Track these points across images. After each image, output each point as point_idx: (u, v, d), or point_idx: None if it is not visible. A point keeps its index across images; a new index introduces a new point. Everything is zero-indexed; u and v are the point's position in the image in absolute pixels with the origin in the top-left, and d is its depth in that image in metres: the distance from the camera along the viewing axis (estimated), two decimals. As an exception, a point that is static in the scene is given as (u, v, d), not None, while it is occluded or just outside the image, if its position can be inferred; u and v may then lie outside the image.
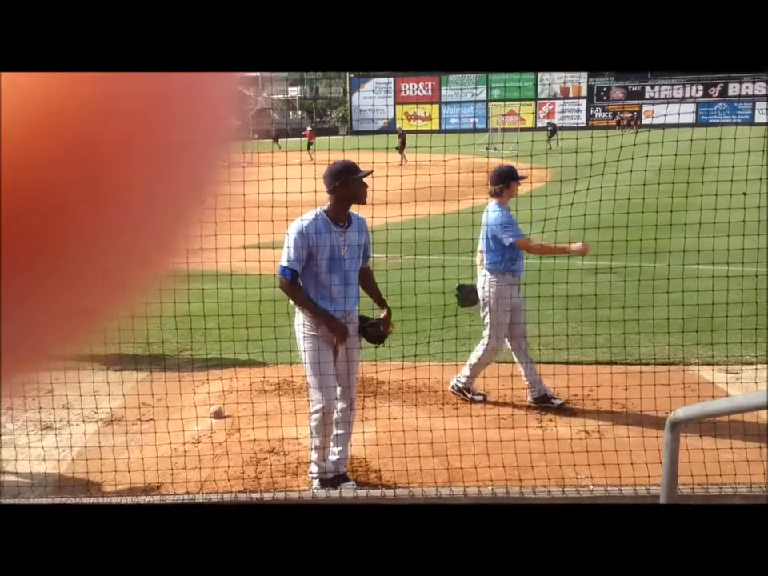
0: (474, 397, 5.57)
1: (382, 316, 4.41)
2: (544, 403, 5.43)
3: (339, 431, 4.35)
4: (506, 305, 5.31)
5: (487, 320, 5.43)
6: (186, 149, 0.35)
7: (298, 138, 30.38)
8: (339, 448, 4.36)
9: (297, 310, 4.29)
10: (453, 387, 5.67)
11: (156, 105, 0.32)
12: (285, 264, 4.13)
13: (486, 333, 5.47)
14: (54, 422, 5.12)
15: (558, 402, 5.41)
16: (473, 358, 5.52)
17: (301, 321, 4.25)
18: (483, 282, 5.42)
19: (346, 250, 4.18)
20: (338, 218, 4.20)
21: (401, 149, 24.59)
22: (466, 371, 5.56)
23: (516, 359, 5.51)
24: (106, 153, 0.31)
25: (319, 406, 4.19)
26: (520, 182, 5.50)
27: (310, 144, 30.44)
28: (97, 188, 0.31)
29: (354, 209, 4.31)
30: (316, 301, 4.18)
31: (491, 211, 5.42)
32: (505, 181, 5.43)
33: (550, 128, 36.99)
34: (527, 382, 5.46)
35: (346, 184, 4.14)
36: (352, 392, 4.38)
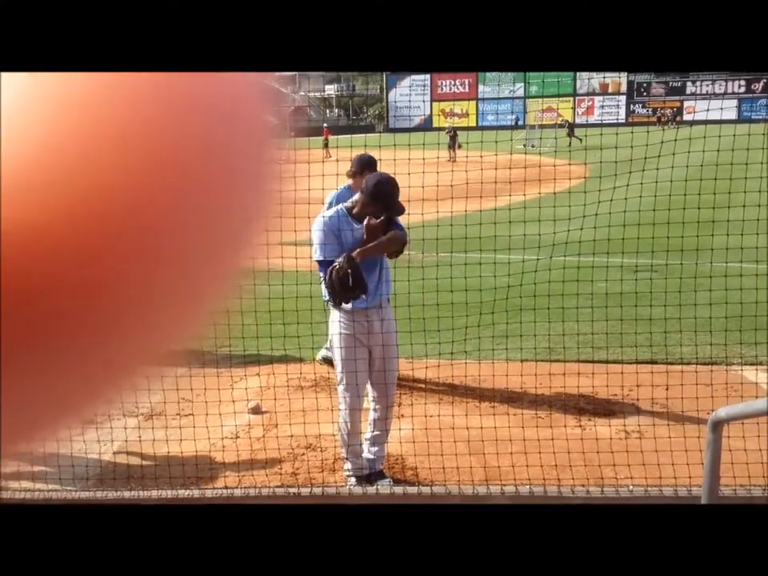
0: None
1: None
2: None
3: (376, 431, 4.33)
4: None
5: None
6: (235, 163, 0.35)
7: (320, 137, 30.56)
8: (376, 448, 4.35)
9: (331, 306, 4.29)
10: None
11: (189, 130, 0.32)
12: (316, 258, 4.16)
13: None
14: (95, 416, 5.20)
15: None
16: None
17: (336, 318, 4.25)
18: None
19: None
20: (361, 215, 4.15)
21: (452, 146, 24.55)
22: None
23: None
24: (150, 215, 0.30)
25: (348, 403, 4.22)
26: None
27: (326, 142, 30.51)
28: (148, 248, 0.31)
29: None
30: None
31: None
32: (361, 169, 5.39)
33: (566, 125, 36.71)
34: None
35: (385, 205, 4.08)
36: (389, 390, 4.34)
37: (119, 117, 0.30)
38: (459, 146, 24.36)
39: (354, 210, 4.15)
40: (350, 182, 5.67)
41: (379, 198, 4.05)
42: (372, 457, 4.34)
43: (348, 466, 4.35)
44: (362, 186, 4.20)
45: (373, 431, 4.35)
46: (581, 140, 28.37)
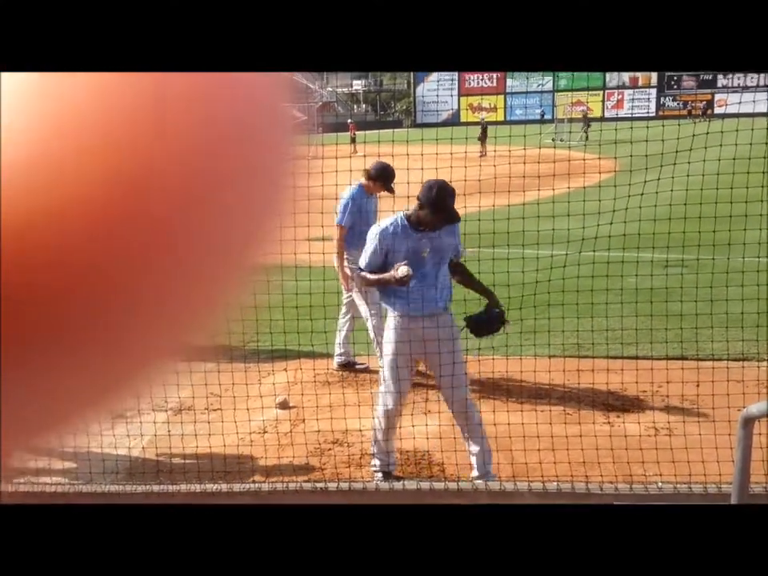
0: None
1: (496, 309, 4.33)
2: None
3: (474, 447, 4.21)
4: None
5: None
6: (253, 160, 0.34)
7: (346, 132, 30.62)
8: (477, 472, 4.23)
9: (389, 309, 4.30)
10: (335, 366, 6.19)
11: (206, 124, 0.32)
12: (361, 265, 4.27)
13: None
14: (125, 410, 5.27)
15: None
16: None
17: (391, 325, 4.27)
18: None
19: (429, 253, 4.14)
20: (422, 224, 4.13)
21: (482, 139, 24.52)
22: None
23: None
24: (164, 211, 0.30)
25: (384, 405, 4.23)
26: (384, 190, 5.69)
27: (353, 138, 30.54)
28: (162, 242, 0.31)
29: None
30: (393, 298, 4.20)
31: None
32: (377, 177, 5.66)
33: (583, 115, 36.46)
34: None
35: (442, 210, 4.06)
36: (455, 396, 4.17)
37: (131, 103, 0.29)
38: (484, 142, 24.33)
39: (412, 218, 4.14)
40: (362, 180, 5.75)
41: (440, 208, 4.02)
42: (476, 470, 4.22)
43: (375, 462, 4.36)
44: (419, 194, 4.15)
45: (473, 448, 4.23)
46: (587, 137, 28.32)
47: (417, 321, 4.18)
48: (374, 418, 4.33)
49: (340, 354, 6.14)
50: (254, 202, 0.34)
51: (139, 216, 0.29)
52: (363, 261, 4.26)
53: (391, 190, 5.70)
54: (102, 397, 0.33)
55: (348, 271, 5.59)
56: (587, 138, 29.53)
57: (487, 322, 4.27)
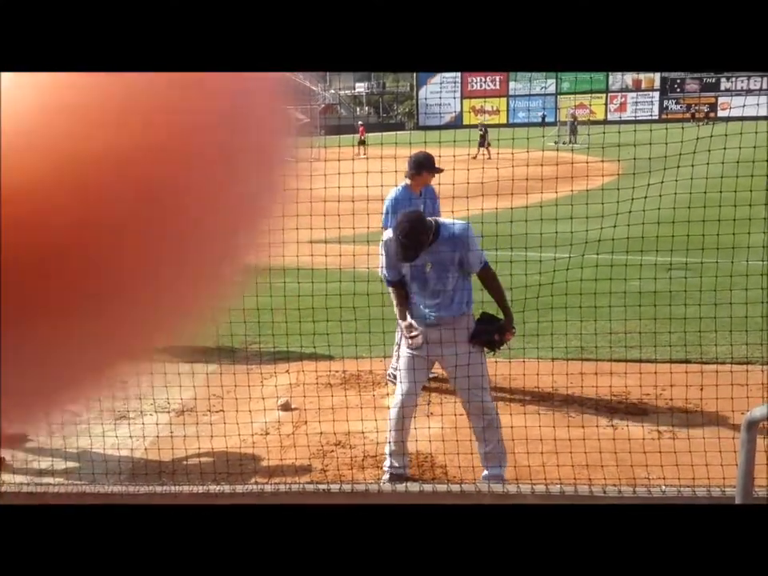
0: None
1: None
2: None
3: (487, 449, 4.21)
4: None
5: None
6: (248, 153, 0.34)
7: (349, 135, 30.75)
8: (487, 472, 4.24)
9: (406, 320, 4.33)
10: (389, 376, 5.87)
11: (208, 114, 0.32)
12: (382, 271, 4.38)
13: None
14: (128, 411, 5.27)
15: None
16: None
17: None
18: None
19: (431, 266, 4.13)
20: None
21: (482, 143, 24.61)
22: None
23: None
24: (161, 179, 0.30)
25: (398, 403, 4.25)
26: (434, 174, 5.54)
27: (362, 140, 30.56)
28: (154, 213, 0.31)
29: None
30: (410, 306, 4.24)
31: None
32: (417, 169, 5.51)
33: (572, 120, 36.35)
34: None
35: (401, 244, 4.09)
36: (471, 398, 4.17)
37: (128, 93, 0.30)
38: (489, 144, 24.41)
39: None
40: (407, 181, 5.68)
41: (400, 243, 4.03)
42: (487, 471, 4.22)
43: (386, 462, 4.37)
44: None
45: (485, 449, 4.22)
46: (563, 142, 28.47)
47: (432, 327, 4.19)
48: (389, 418, 4.33)
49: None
50: (243, 198, 0.34)
51: (131, 194, 0.29)
52: (384, 271, 4.33)
53: (438, 171, 5.60)
54: (90, 375, 0.33)
55: None
56: (574, 141, 29.76)
57: (485, 334, 4.23)
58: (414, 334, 4.20)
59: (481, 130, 27.66)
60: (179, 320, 0.35)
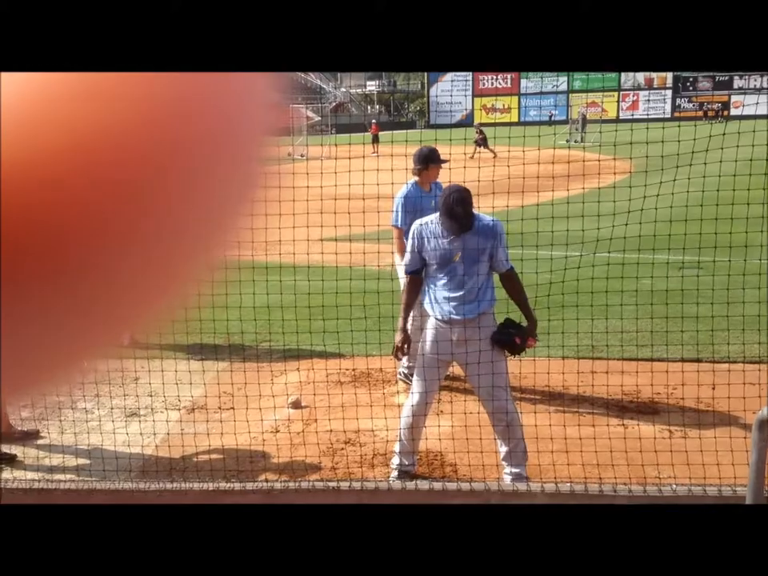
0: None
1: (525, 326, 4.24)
2: None
3: (504, 448, 4.20)
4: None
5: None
6: (221, 152, 0.34)
7: (361, 133, 30.78)
8: (511, 468, 4.20)
9: (428, 310, 4.29)
10: (400, 375, 5.83)
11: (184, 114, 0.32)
12: (405, 263, 4.35)
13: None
14: (139, 409, 5.29)
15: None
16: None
17: (430, 325, 4.26)
18: None
19: (461, 256, 4.10)
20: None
21: (481, 143, 24.66)
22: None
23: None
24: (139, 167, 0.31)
25: (415, 402, 4.25)
26: (441, 165, 5.52)
27: (375, 138, 30.57)
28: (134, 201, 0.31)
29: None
30: (432, 303, 4.20)
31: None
32: (424, 163, 5.47)
33: (581, 117, 36.24)
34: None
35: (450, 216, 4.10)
36: (488, 405, 4.17)
37: (113, 89, 0.30)
38: (487, 144, 24.43)
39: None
40: (415, 178, 5.66)
41: (447, 214, 4.04)
42: (509, 478, 4.18)
43: (394, 460, 4.38)
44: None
45: (506, 448, 4.21)
46: (575, 141, 28.50)
47: (454, 325, 4.15)
48: (402, 416, 4.33)
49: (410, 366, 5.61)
50: (217, 196, 0.34)
51: (112, 175, 0.29)
52: (405, 259, 4.31)
53: (443, 162, 5.59)
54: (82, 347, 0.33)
55: None
56: (583, 137, 29.79)
57: (506, 336, 4.19)
58: (404, 347, 4.25)
59: (478, 131, 27.74)
60: (144, 312, 0.35)
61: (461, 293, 4.12)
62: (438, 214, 4.15)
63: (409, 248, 4.26)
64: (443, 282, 4.15)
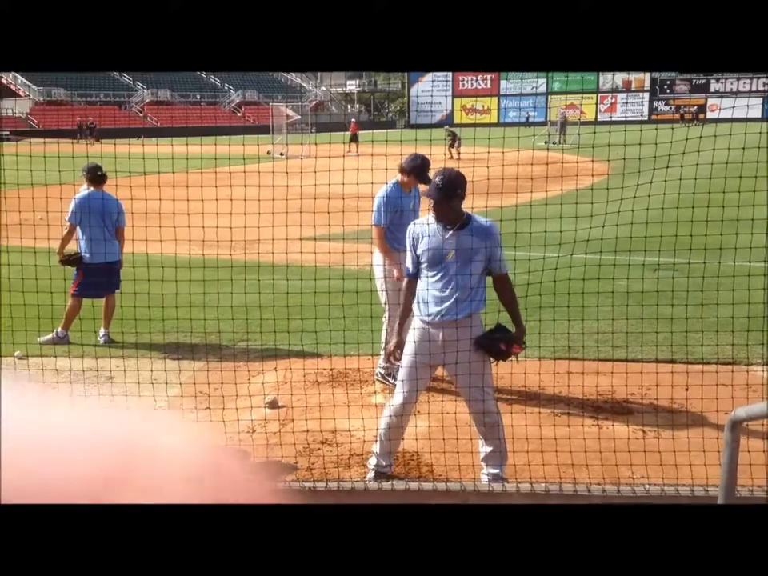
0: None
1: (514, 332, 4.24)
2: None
3: (487, 449, 4.22)
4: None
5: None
6: None
7: (340, 132, 30.62)
8: (489, 469, 4.23)
9: (415, 311, 4.29)
10: (377, 375, 5.84)
11: None
12: (407, 267, 4.34)
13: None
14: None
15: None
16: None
17: (416, 324, 4.26)
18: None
19: (455, 254, 4.11)
20: (443, 220, 4.15)
21: (453, 144, 24.80)
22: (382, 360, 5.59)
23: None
24: None
25: (398, 403, 4.25)
26: (422, 183, 5.48)
27: (354, 137, 30.49)
28: None
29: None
30: (420, 303, 4.20)
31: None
32: (414, 172, 5.50)
33: (561, 119, 36.31)
34: None
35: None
36: (471, 406, 4.20)
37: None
38: (460, 145, 24.55)
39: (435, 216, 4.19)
40: (398, 178, 5.65)
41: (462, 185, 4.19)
42: (487, 478, 4.21)
43: (371, 460, 4.38)
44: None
45: (484, 449, 4.24)
46: (554, 142, 28.83)
47: (442, 326, 4.14)
48: (383, 416, 4.32)
49: (386, 366, 5.66)
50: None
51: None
52: (407, 263, 4.30)
53: (427, 181, 5.59)
54: None
55: (395, 271, 5.43)
56: (564, 140, 30.03)
57: (492, 341, 4.19)
58: (396, 351, 4.24)
59: (448, 133, 27.89)
60: None
61: (452, 292, 4.12)
62: (431, 215, 4.18)
63: (408, 248, 4.28)
64: (434, 280, 4.15)
